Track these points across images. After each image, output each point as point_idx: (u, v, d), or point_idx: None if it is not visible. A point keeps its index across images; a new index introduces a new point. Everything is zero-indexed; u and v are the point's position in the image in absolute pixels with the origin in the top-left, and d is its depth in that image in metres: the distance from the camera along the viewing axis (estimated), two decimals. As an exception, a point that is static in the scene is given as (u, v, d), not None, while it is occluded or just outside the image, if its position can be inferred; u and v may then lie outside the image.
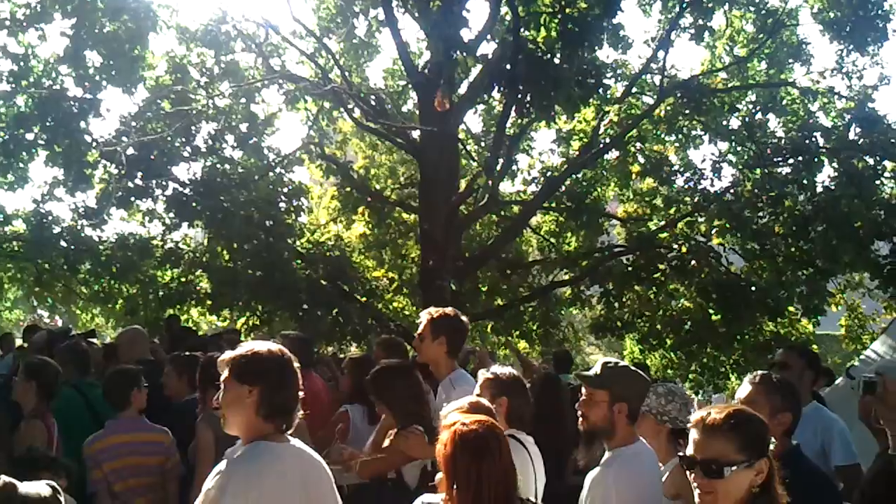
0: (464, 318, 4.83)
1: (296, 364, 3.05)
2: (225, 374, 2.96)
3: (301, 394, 3.04)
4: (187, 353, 6.12)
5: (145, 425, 5.08)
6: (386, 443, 4.30)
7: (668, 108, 13.98)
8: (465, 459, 2.77)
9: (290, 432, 3.01)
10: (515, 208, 15.42)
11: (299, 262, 13.77)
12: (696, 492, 2.48)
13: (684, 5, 13.52)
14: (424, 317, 4.75)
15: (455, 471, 2.78)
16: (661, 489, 3.56)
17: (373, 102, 14.46)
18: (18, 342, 11.74)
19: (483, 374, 4.13)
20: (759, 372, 3.59)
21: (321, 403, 5.91)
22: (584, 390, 3.56)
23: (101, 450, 4.81)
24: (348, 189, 16.13)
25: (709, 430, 2.47)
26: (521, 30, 10.55)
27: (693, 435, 2.52)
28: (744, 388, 3.53)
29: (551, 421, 4.54)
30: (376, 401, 4.59)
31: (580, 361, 20.15)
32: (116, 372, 5.20)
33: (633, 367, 3.63)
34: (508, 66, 10.19)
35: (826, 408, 4.80)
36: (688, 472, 2.51)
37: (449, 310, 4.82)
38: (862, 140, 13.04)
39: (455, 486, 2.77)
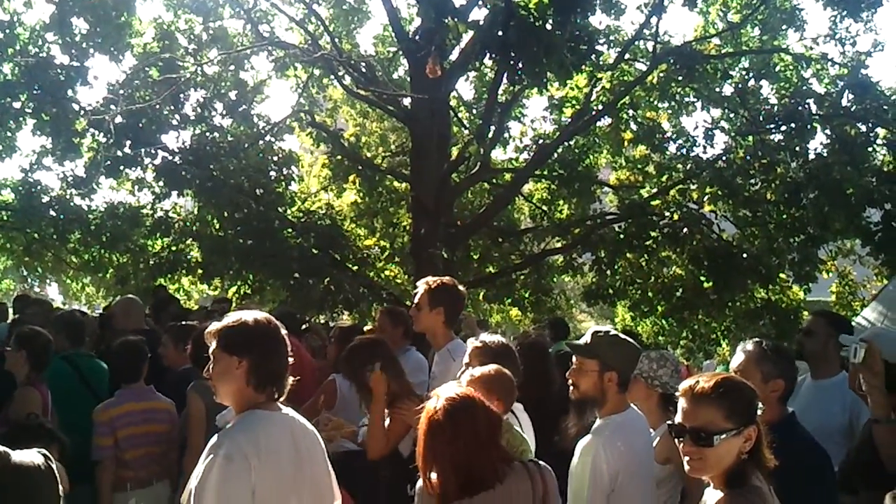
0: (461, 287, 4.82)
1: (284, 332, 3.03)
2: (213, 345, 2.94)
3: (290, 360, 3.03)
4: (183, 323, 6.14)
5: (154, 394, 5.17)
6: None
7: (661, 74, 13.86)
8: (458, 427, 2.83)
9: (281, 400, 3.00)
10: (507, 176, 15.37)
11: (290, 230, 13.71)
12: (686, 459, 2.49)
13: (677, -29, 13.38)
14: (422, 287, 4.73)
15: (432, 451, 2.85)
16: (652, 456, 3.58)
17: (363, 69, 14.34)
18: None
19: (472, 343, 4.13)
20: (752, 340, 3.59)
21: (307, 372, 5.92)
22: (574, 359, 3.55)
23: (117, 416, 4.86)
24: (339, 157, 16.07)
25: (697, 399, 2.48)
26: (513, -5, 10.43)
27: (682, 403, 2.53)
28: (737, 357, 3.54)
29: (538, 387, 4.53)
30: (351, 380, 4.56)
31: (572, 329, 20.19)
32: (126, 345, 5.19)
33: (623, 336, 3.62)
34: (500, 33, 10.08)
35: None
36: (677, 440, 2.52)
37: (446, 279, 4.81)
38: (855, 107, 12.98)
39: (443, 454, 2.83)
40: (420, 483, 2.97)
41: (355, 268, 14.46)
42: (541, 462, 3.17)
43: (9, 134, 14.08)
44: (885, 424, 3.40)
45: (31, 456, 1.87)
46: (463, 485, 2.81)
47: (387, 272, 16.56)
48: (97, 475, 4.79)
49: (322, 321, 13.87)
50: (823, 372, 4.35)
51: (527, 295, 16.08)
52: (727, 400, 2.45)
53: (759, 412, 2.50)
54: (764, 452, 2.48)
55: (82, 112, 13.69)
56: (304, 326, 8.58)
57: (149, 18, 15.12)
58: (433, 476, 2.85)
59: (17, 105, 13.70)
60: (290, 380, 3.02)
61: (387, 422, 4.25)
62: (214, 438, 2.84)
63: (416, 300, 4.73)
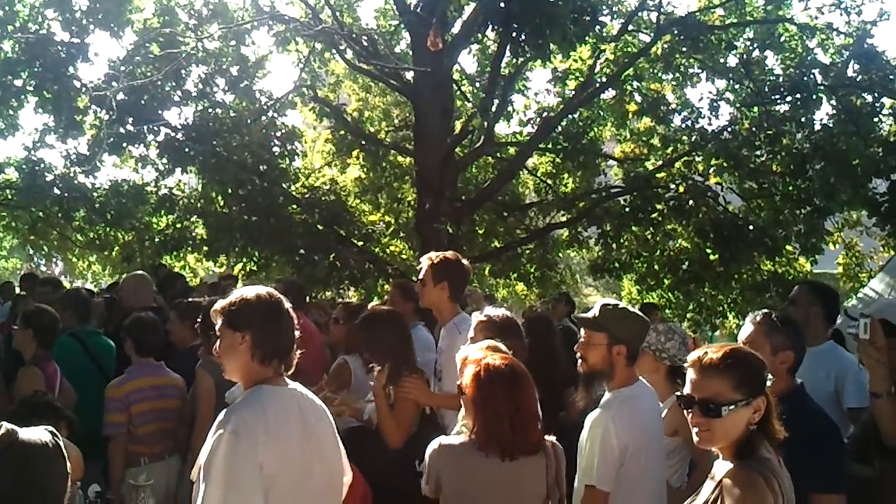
0: (465, 261, 4.80)
1: (288, 305, 3.02)
2: (218, 323, 2.94)
3: (297, 333, 3.03)
4: (190, 300, 6.14)
5: (165, 370, 5.17)
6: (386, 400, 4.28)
7: (665, 45, 13.76)
8: (502, 391, 2.96)
9: (289, 373, 3.00)
10: (511, 150, 15.31)
11: (294, 206, 13.71)
12: (694, 430, 2.49)
13: (681, -61, 13.27)
14: (425, 262, 4.72)
15: (491, 402, 2.95)
16: (661, 429, 3.58)
17: (365, 43, 14.23)
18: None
19: (477, 317, 4.13)
20: (761, 311, 3.57)
21: (313, 346, 5.91)
22: (582, 332, 3.55)
23: (132, 391, 4.86)
24: (342, 132, 16.03)
25: (706, 370, 2.47)
26: (516, -34, 10.35)
27: (690, 374, 2.53)
28: (746, 328, 3.52)
29: (544, 360, 4.53)
30: (365, 350, 4.56)
31: (578, 303, 20.21)
32: (141, 320, 5.19)
33: (631, 308, 3.61)
34: (502, 4, 10.03)
35: (844, 348, 4.72)
36: (685, 412, 2.51)
37: (450, 254, 4.79)
38: (860, 77, 12.88)
39: (490, 417, 2.94)
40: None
41: (360, 243, 14.47)
42: (555, 441, 3.19)
43: (11, 112, 14.06)
44: (884, 399, 3.39)
45: (38, 433, 1.87)
46: (510, 443, 2.93)
47: (392, 247, 16.56)
48: (109, 451, 4.79)
49: (328, 297, 13.89)
50: (809, 340, 4.36)
51: (532, 269, 16.08)
52: (735, 371, 2.44)
53: (768, 383, 2.49)
54: (773, 423, 2.47)
55: (84, 89, 13.65)
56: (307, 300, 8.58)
57: (149, -6, 15.02)
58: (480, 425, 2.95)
59: (18, 83, 13.66)
60: (298, 353, 3.01)
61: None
62: (222, 414, 2.83)
63: (420, 276, 4.71)
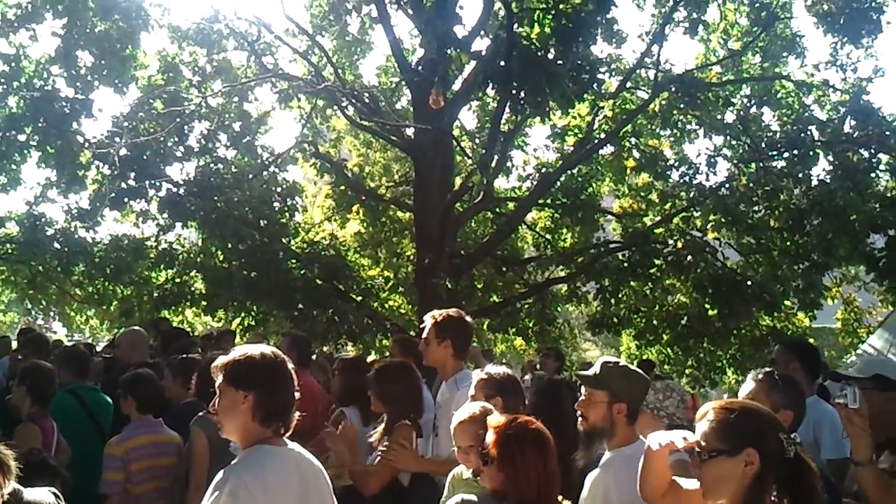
0: (468, 318, 4.80)
1: (290, 365, 3.01)
2: (219, 379, 2.92)
3: (297, 394, 3.01)
4: (183, 356, 6.12)
5: (163, 427, 5.12)
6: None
7: (663, 102, 13.93)
8: (532, 453, 2.92)
9: (287, 435, 2.98)
10: (511, 205, 15.38)
11: (294, 261, 13.73)
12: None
13: (678, -1, 13.50)
14: (428, 320, 4.71)
15: (518, 462, 2.92)
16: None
17: (366, 100, 14.42)
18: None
19: (477, 375, 4.12)
20: (763, 370, 3.57)
21: (315, 405, 5.87)
22: (583, 390, 3.53)
23: (132, 448, 4.81)
24: (342, 187, 16.11)
25: (701, 419, 2.50)
26: (515, 26, 10.52)
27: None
28: (746, 385, 3.52)
29: (554, 425, 4.50)
30: (376, 397, 4.55)
31: (577, 358, 20.15)
32: (139, 377, 5.16)
33: (632, 367, 3.60)
34: (502, 63, 10.16)
35: (828, 402, 4.75)
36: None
37: (453, 311, 4.79)
38: (857, 133, 13.04)
39: (520, 479, 2.89)
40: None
41: (359, 298, 14.44)
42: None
43: (14, 167, 14.16)
44: (867, 467, 3.37)
45: (41, 494, 1.87)
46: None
47: (391, 302, 16.52)
48: (105, 510, 4.72)
49: (326, 351, 13.83)
50: None
51: (531, 324, 16.02)
52: (723, 420, 2.45)
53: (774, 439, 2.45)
54: (769, 483, 2.41)
55: (87, 144, 13.79)
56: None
57: (153, 51, 15.26)
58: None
59: (22, 138, 13.80)
60: (297, 415, 3.00)
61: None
62: (220, 474, 2.81)
63: (423, 334, 4.70)
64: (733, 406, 2.51)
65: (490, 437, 3.01)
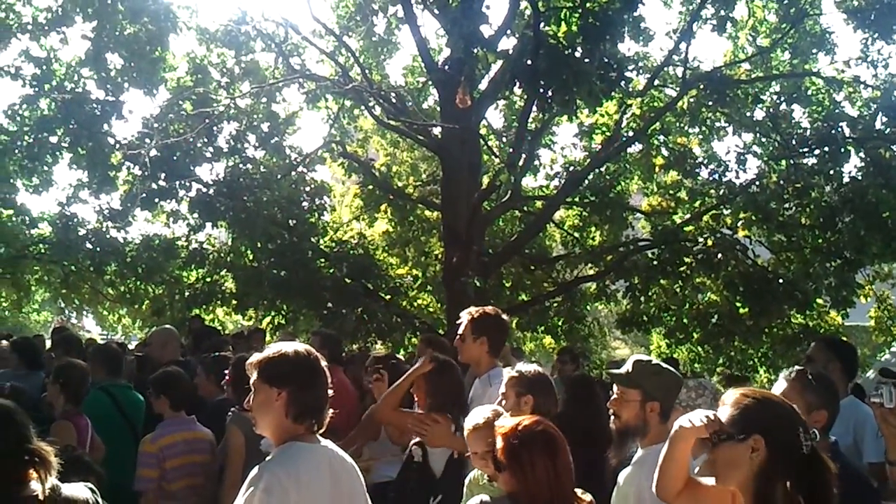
0: (504, 316, 4.80)
1: (324, 363, 3.03)
2: (254, 376, 2.95)
3: (330, 392, 3.03)
4: (216, 354, 6.18)
5: (196, 425, 5.17)
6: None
7: (691, 100, 13.85)
8: (540, 455, 2.92)
9: (321, 432, 3.00)
10: (539, 203, 15.33)
11: (323, 260, 13.81)
12: None
13: (706, -4, 13.40)
14: (465, 317, 4.72)
15: (527, 466, 2.91)
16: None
17: (393, 100, 14.44)
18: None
19: (508, 372, 4.11)
20: (795, 368, 3.52)
21: (348, 402, 5.90)
22: (615, 388, 3.52)
23: (166, 446, 4.86)
24: (370, 187, 16.16)
25: (722, 404, 2.50)
26: (542, 24, 10.49)
27: None
28: (779, 385, 3.47)
29: (587, 423, 4.48)
30: (421, 389, 4.51)
31: (606, 357, 20.04)
32: (171, 375, 5.21)
33: (664, 365, 3.58)
34: (529, 62, 10.12)
35: (864, 402, 4.68)
36: None
37: (489, 309, 4.80)
38: (889, 129, 12.86)
39: (530, 482, 2.89)
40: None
41: (388, 297, 14.50)
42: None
43: (46, 168, 14.37)
44: None
45: (79, 490, 1.90)
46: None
47: (419, 301, 16.56)
48: (139, 506, 4.78)
49: (356, 349, 13.90)
50: None
51: (560, 323, 15.96)
52: (735, 406, 2.43)
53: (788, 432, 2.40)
54: (781, 475, 2.36)
55: (118, 146, 13.96)
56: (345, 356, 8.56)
57: (182, 53, 15.44)
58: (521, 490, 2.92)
59: (53, 140, 14.01)
60: (330, 412, 3.01)
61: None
62: (254, 471, 2.84)
63: (460, 331, 4.71)
64: (753, 394, 2.49)
65: (498, 444, 3.02)
